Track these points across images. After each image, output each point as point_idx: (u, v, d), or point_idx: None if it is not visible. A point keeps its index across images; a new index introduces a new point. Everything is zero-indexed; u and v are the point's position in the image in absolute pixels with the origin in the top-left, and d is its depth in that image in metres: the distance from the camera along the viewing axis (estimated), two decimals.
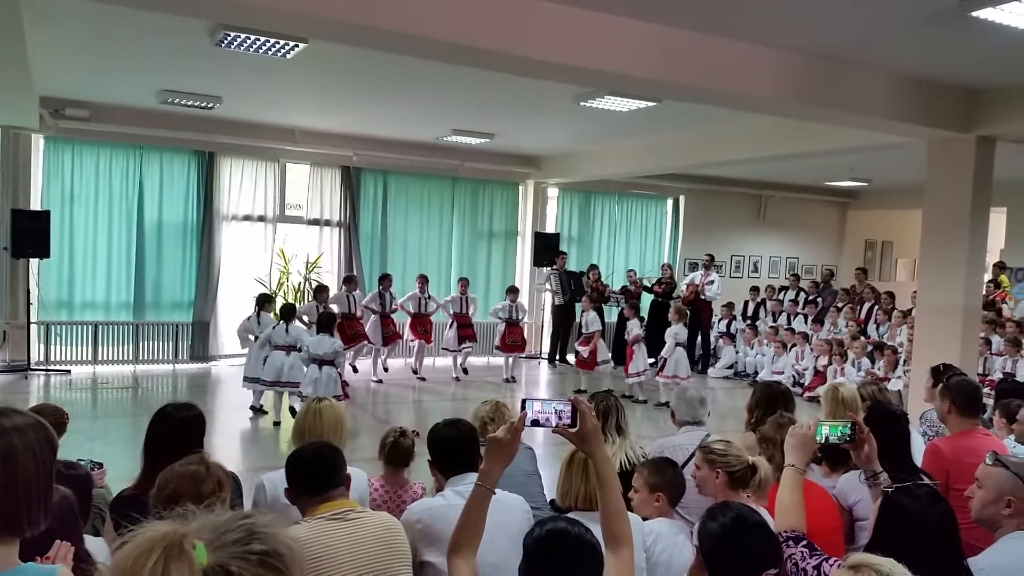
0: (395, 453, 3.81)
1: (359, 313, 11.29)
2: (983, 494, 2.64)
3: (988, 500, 2.62)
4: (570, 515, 2.86)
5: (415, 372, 11.97)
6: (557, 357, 13.96)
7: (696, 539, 2.34)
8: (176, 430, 3.19)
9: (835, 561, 2.38)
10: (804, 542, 2.47)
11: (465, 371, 12.01)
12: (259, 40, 6.64)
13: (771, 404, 4.15)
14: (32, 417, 1.66)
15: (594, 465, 2.37)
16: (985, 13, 5.32)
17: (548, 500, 3.82)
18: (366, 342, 11.40)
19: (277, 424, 8.72)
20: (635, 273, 14.51)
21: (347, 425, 3.53)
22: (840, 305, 13.77)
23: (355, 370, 11.31)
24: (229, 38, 6.61)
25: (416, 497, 3.71)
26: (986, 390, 6.79)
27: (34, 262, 10.81)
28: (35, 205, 10.88)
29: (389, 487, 3.76)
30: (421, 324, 11.92)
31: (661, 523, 3.16)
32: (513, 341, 11.85)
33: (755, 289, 15.17)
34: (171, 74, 8.80)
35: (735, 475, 3.09)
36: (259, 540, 1.09)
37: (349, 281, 11.54)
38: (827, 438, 2.89)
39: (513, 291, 12.54)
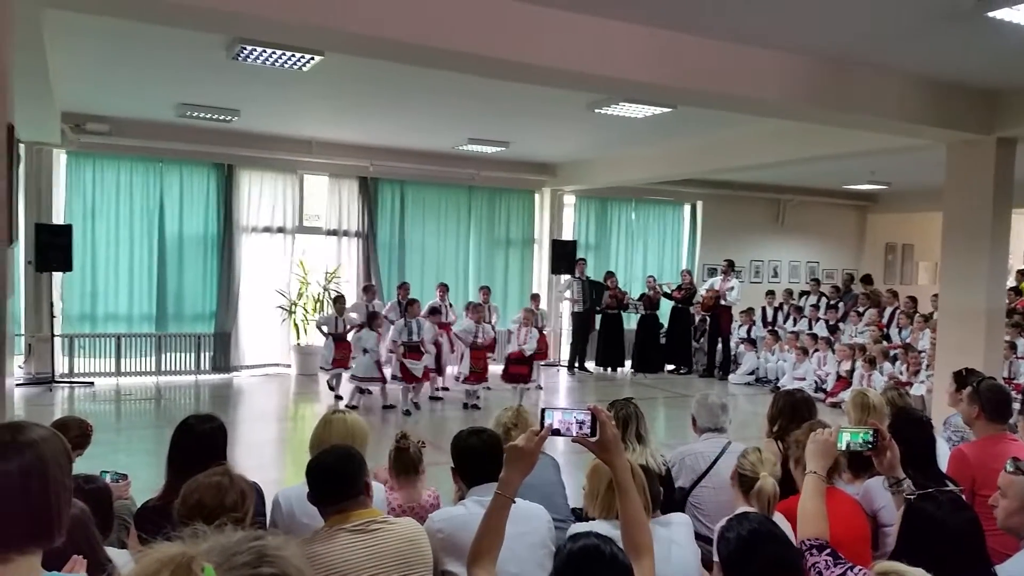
0: (399, 461, 3.76)
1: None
2: (1007, 503, 2.58)
3: (1013, 510, 2.57)
4: (598, 523, 2.84)
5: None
6: (577, 365, 13.94)
7: (715, 549, 2.33)
8: (198, 442, 3.20)
9: (860, 570, 2.36)
10: (828, 550, 2.45)
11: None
12: (275, 53, 6.69)
13: (794, 413, 4.10)
14: (48, 429, 1.69)
15: (614, 475, 2.36)
16: (1002, 13, 5.28)
17: (571, 509, 3.80)
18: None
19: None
20: (654, 279, 14.47)
21: (367, 434, 3.51)
22: (861, 310, 13.64)
23: (369, 392, 11.20)
24: (246, 52, 6.67)
25: (429, 506, 3.69)
26: (1012, 394, 6.71)
27: (57, 275, 10.94)
28: (58, 219, 11.03)
29: (402, 499, 3.73)
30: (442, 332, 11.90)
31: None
32: (537, 349, 11.81)
33: (771, 293, 15.06)
34: (189, 88, 8.90)
35: (741, 477, 3.10)
36: (269, 564, 1.08)
37: (368, 290, 11.58)
38: (848, 445, 2.86)
39: (535, 298, 12.54)
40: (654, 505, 3.22)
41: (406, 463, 3.76)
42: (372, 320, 10.40)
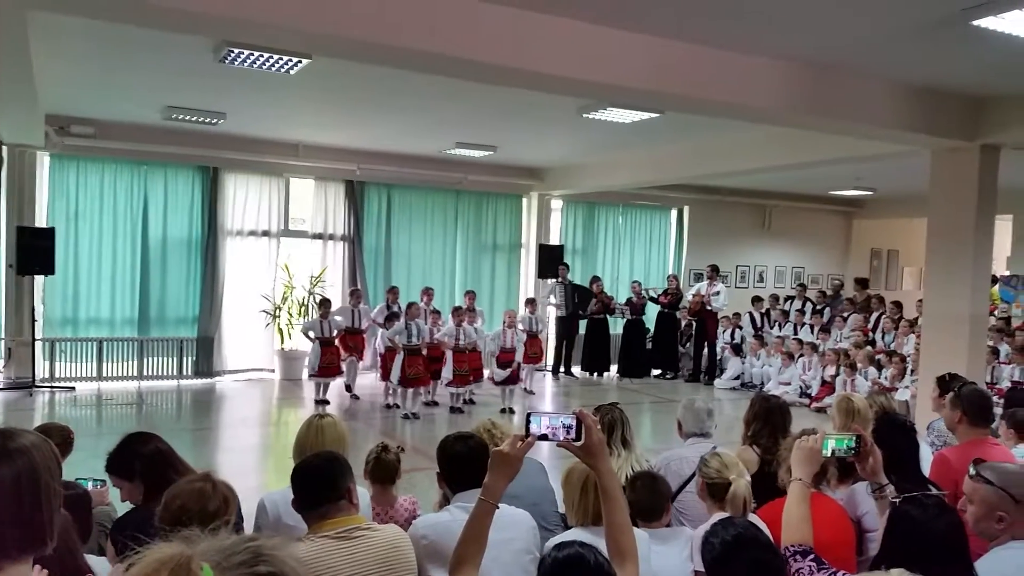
0: (379, 470, 3.75)
1: (364, 326, 11.29)
2: (975, 510, 2.61)
3: (980, 515, 2.59)
4: (580, 529, 2.83)
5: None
6: (561, 369, 13.95)
7: (700, 554, 2.33)
8: (144, 466, 3.17)
9: (844, 575, 2.36)
10: (811, 556, 2.45)
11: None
12: (262, 56, 6.67)
13: (768, 418, 4.14)
14: (38, 435, 1.69)
15: (599, 479, 2.35)
16: (986, 22, 5.33)
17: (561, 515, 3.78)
18: (364, 359, 11.41)
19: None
20: (639, 284, 14.50)
21: (348, 440, 3.50)
22: (846, 315, 13.70)
23: (357, 398, 11.08)
24: (233, 54, 6.64)
25: (407, 514, 3.67)
26: (995, 399, 6.76)
27: (39, 279, 10.83)
28: (40, 222, 10.93)
29: (378, 506, 3.71)
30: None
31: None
32: (532, 353, 11.80)
33: (758, 299, 15.11)
34: (175, 91, 8.85)
35: (710, 485, 3.08)
36: (265, 562, 1.10)
37: (354, 294, 11.55)
38: (834, 451, 2.87)
39: (531, 303, 12.54)
40: (645, 513, 3.21)
41: (384, 472, 3.75)
42: (390, 319, 10.55)
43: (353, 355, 11.12)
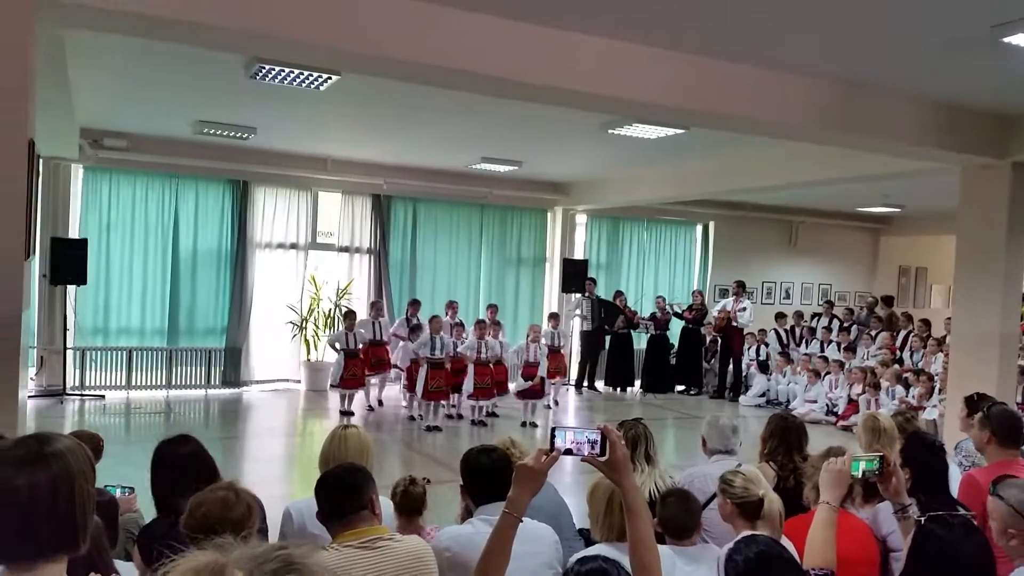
0: (406, 502, 3.78)
1: (386, 339, 11.34)
2: (994, 527, 2.60)
3: (998, 533, 2.58)
4: (605, 545, 2.83)
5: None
6: (585, 383, 13.91)
7: (724, 571, 2.32)
8: (174, 468, 3.17)
9: None
10: None
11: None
12: (292, 73, 6.76)
13: (784, 436, 4.12)
14: (73, 440, 1.74)
15: (623, 495, 2.35)
16: (1016, 39, 5.28)
17: (577, 529, 3.78)
18: (391, 371, 11.44)
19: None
20: (664, 300, 14.45)
21: (373, 451, 3.53)
22: (873, 333, 13.54)
23: (380, 403, 11.23)
24: (263, 71, 6.74)
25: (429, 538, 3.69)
26: None
27: (71, 289, 11.02)
28: (74, 233, 11.14)
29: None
30: None
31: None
32: (555, 368, 11.77)
33: (781, 316, 14.97)
34: (207, 106, 9.00)
35: (740, 505, 3.04)
36: (296, 570, 1.10)
37: (375, 306, 11.61)
38: (864, 472, 2.85)
39: (554, 318, 12.52)
40: (679, 531, 3.19)
41: (411, 504, 3.79)
42: (413, 332, 10.66)
43: (377, 370, 11.15)
